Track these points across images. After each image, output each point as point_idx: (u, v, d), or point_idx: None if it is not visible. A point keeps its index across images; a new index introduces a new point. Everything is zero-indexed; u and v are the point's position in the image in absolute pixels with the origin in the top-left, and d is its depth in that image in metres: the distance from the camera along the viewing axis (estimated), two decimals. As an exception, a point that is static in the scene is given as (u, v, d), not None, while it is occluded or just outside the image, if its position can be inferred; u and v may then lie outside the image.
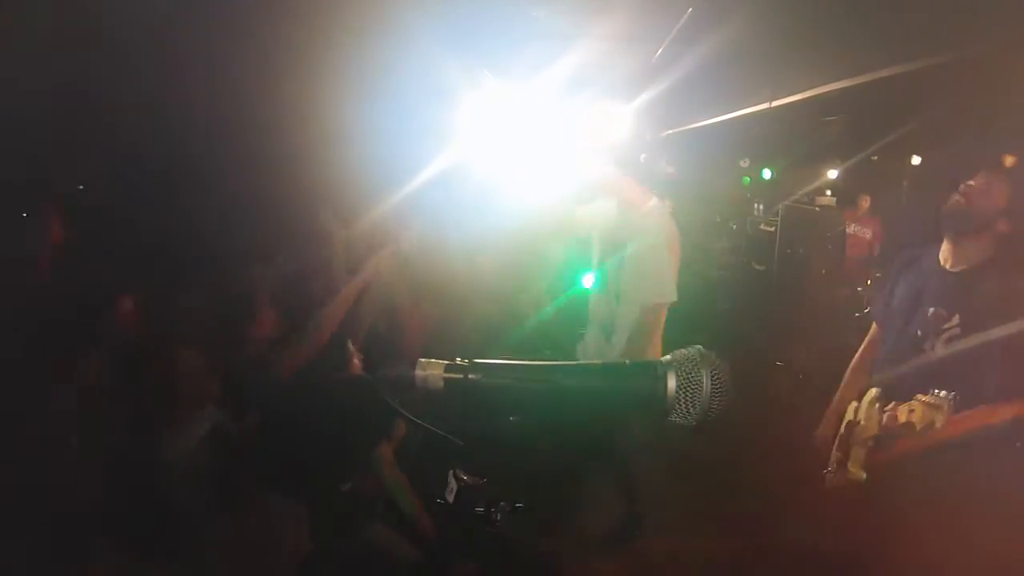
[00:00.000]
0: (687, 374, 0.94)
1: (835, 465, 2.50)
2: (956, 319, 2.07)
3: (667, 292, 3.15)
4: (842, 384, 2.68)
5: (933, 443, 1.95)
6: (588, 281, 3.64)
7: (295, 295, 2.93)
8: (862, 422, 2.35)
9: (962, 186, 2.19)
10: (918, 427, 1.91)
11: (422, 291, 3.64)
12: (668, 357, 0.96)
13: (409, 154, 3.45)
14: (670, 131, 8.98)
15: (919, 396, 1.95)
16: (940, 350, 2.11)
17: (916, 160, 7.76)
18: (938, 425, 1.84)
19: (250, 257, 3.04)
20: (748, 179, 8.97)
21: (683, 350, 0.97)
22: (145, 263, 3.09)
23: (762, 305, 7.57)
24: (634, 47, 5.56)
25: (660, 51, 5.53)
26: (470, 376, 0.97)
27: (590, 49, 5.37)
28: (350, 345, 2.91)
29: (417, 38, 3.60)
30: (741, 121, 7.75)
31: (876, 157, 7.52)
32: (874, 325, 2.62)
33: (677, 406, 0.94)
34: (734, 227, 8.05)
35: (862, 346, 2.68)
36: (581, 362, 1.09)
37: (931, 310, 2.16)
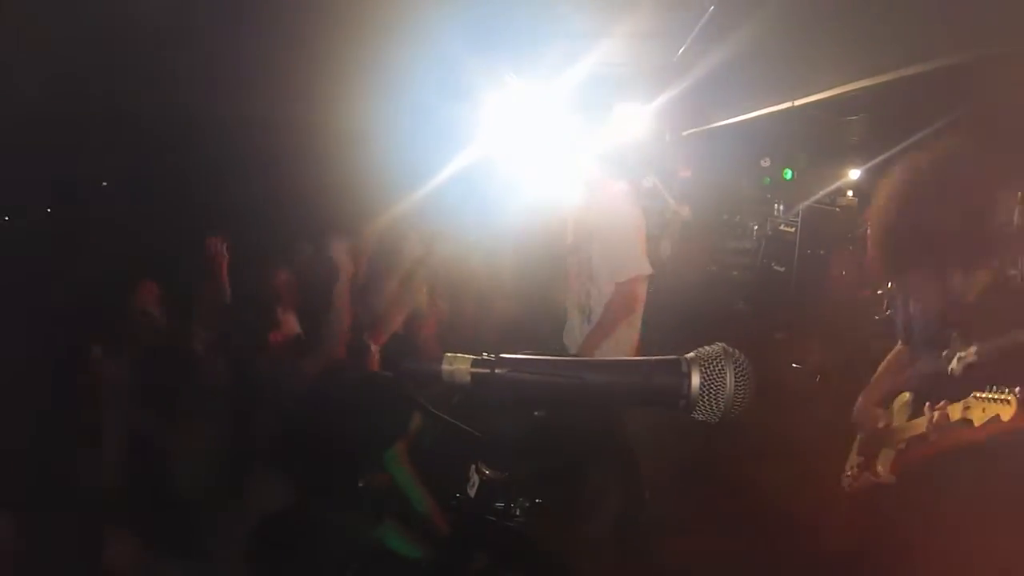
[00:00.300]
0: (712, 371, 0.94)
1: (856, 469, 2.47)
2: (973, 349, 2.04)
3: (640, 265, 3.22)
4: (879, 371, 2.63)
5: (973, 443, 1.93)
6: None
7: (314, 296, 2.95)
8: (894, 424, 2.32)
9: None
10: (977, 423, 1.88)
11: (441, 289, 3.66)
12: (692, 354, 0.97)
13: (431, 153, 3.47)
14: (691, 130, 8.94)
15: (976, 393, 1.90)
16: (959, 371, 2.08)
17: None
18: (1005, 419, 1.81)
19: (273, 255, 3.07)
20: (768, 179, 8.91)
21: (707, 347, 0.97)
22: (168, 261, 3.12)
23: (781, 306, 7.51)
24: (657, 45, 5.53)
25: (682, 50, 5.51)
26: (497, 371, 0.98)
27: (613, 47, 5.36)
28: (368, 342, 2.93)
29: (440, 37, 3.61)
30: (762, 120, 7.69)
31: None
32: (899, 343, 2.56)
33: (701, 403, 0.94)
34: (755, 227, 7.99)
35: (890, 355, 2.63)
36: (606, 358, 1.09)
37: (953, 333, 2.13)
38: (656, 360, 0.97)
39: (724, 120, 8.43)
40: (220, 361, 2.80)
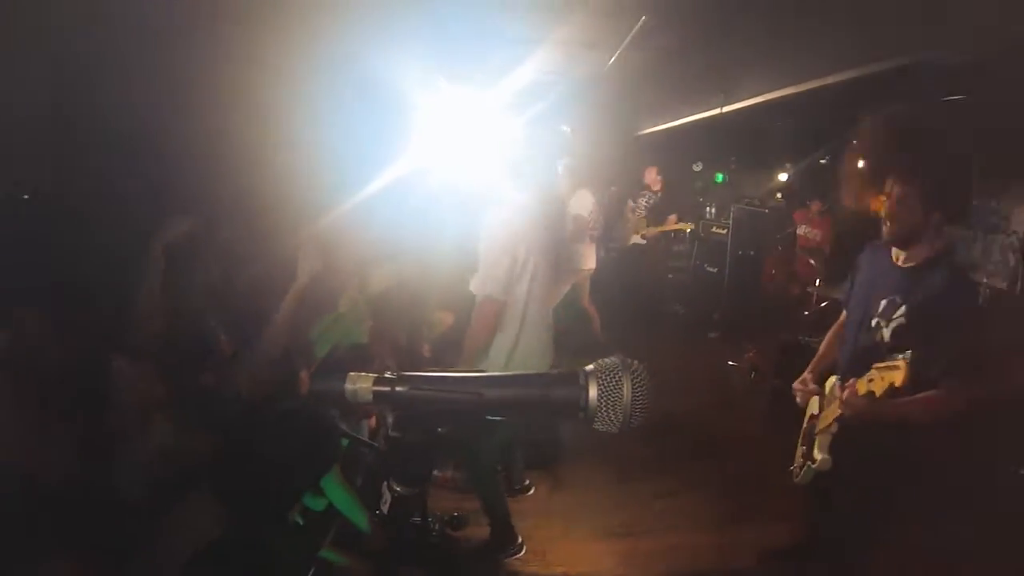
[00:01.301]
0: (609, 382, 0.96)
1: (801, 459, 2.57)
2: (903, 309, 2.17)
3: (483, 286, 2.91)
4: (823, 343, 2.76)
5: (887, 417, 2.04)
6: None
7: (245, 312, 2.88)
8: (824, 411, 2.43)
9: (883, 210, 2.25)
10: (879, 394, 1.98)
11: (385, 308, 3.60)
12: (591, 366, 0.99)
13: (365, 162, 3.43)
14: (637, 134, 9.10)
15: (876, 366, 2.03)
16: (887, 336, 2.20)
17: (861, 164, 7.96)
18: (898, 384, 1.91)
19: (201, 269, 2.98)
20: (721, 176, 9.22)
21: (606, 359, 1.00)
22: (97, 273, 3.00)
23: (714, 306, 7.72)
24: (589, 55, 5.61)
25: (613, 58, 5.61)
26: (397, 388, 0.99)
27: (545, 56, 5.42)
28: (301, 371, 2.87)
29: (376, 42, 3.59)
30: (694, 126, 7.89)
31: (824, 160, 7.69)
32: (844, 311, 2.71)
33: (599, 413, 0.96)
34: (688, 230, 8.19)
35: (835, 325, 2.77)
36: (504, 373, 1.10)
37: (884, 301, 2.25)
38: (554, 374, 0.99)
39: (657, 126, 8.63)
40: (153, 376, 2.71)
